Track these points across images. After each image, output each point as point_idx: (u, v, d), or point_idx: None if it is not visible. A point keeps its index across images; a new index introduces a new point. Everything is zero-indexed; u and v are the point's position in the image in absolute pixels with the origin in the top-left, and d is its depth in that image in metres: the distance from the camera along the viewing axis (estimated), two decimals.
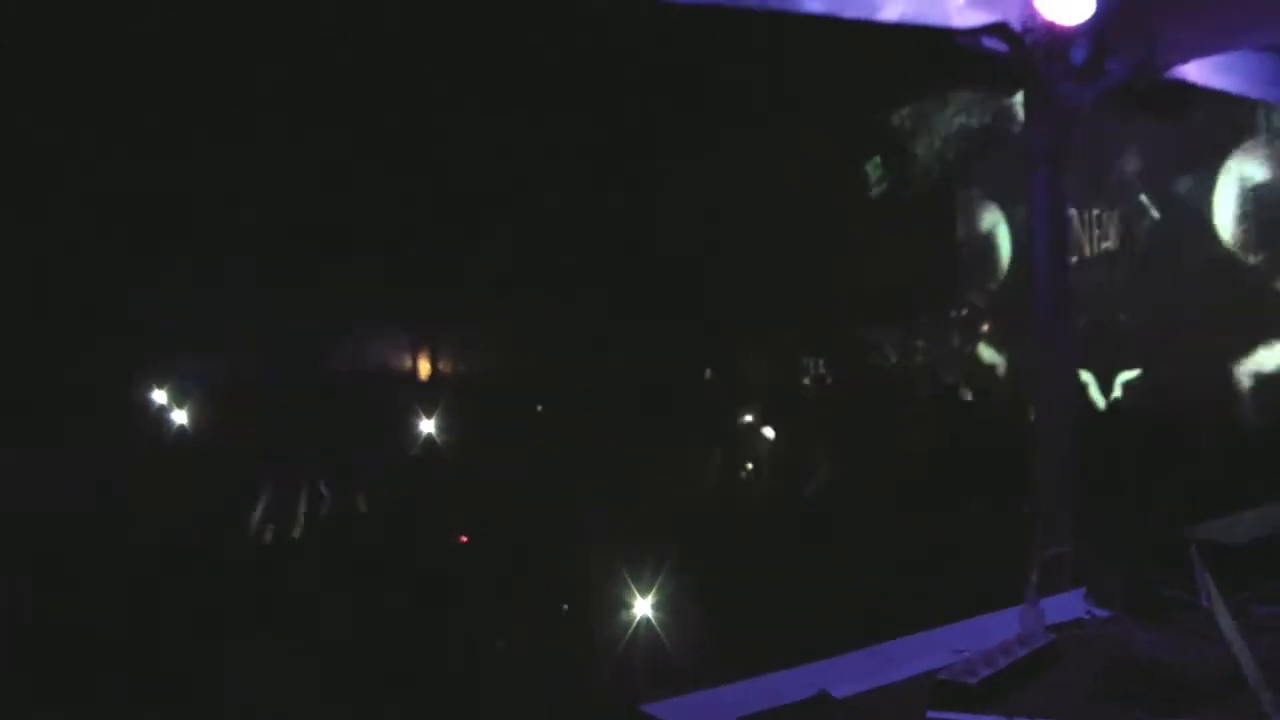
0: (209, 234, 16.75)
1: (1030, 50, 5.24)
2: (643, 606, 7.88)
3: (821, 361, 18.27)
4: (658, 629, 7.60)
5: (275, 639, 7.67)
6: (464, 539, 11.20)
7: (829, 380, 17.99)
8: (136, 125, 15.29)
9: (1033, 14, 5.10)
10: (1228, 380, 13.63)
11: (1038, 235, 5.66)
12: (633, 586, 7.90)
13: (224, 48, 15.03)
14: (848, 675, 3.15)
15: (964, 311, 17.31)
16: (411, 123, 16.89)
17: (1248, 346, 13.47)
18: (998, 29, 5.19)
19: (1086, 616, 3.63)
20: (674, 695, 3.04)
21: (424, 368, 22.14)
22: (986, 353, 16.91)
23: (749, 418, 14.92)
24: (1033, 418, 5.69)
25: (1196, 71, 5.87)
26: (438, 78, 16.53)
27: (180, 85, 15.48)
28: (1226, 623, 2.63)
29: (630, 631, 7.54)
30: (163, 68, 15.10)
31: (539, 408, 18.28)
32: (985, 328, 17.00)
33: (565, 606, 8.26)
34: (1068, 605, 3.71)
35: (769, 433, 14.67)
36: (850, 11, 5.27)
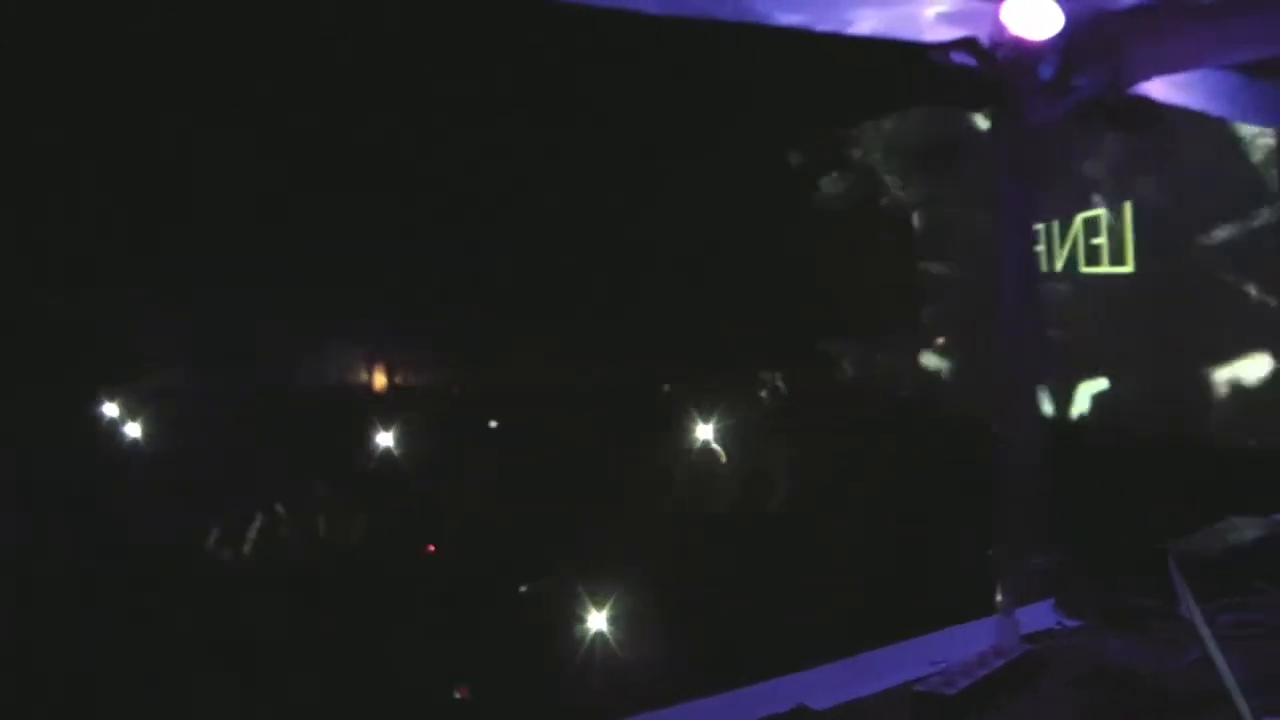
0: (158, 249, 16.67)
1: (999, 66, 5.26)
2: (601, 621, 7.88)
3: (779, 375, 18.30)
4: (626, 645, 7.60)
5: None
6: (431, 548, 11.17)
7: (788, 393, 18.01)
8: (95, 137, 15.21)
9: (1002, 30, 5.11)
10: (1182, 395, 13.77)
11: (1006, 248, 5.68)
12: (602, 603, 7.90)
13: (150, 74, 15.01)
14: (824, 687, 3.16)
15: (927, 324, 17.40)
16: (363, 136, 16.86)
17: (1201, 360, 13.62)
18: (967, 44, 5.20)
19: (1058, 626, 3.65)
20: (650, 710, 3.04)
21: (381, 381, 22.06)
22: (949, 364, 16.98)
23: (709, 431, 14.93)
24: (998, 430, 5.71)
25: (1159, 89, 5.90)
26: (396, 88, 16.49)
27: (135, 103, 15.41)
28: (1207, 631, 2.65)
29: (601, 647, 7.53)
30: (99, 88, 15.05)
31: (493, 423, 18.26)
32: (946, 340, 17.07)
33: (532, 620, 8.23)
34: (1039, 616, 3.74)
35: (720, 448, 14.70)
36: (823, 25, 5.28)
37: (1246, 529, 4.14)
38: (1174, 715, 2.69)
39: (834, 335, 17.32)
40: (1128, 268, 13.83)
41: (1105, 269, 14.26)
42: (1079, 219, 14.36)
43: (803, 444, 14.30)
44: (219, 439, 14.85)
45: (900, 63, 5.42)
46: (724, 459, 14.31)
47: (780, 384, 17.82)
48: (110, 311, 17.09)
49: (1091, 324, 14.30)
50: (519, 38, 15.01)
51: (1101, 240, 14.18)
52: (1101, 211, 14.07)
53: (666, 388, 17.48)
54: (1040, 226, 13.47)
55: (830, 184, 16.69)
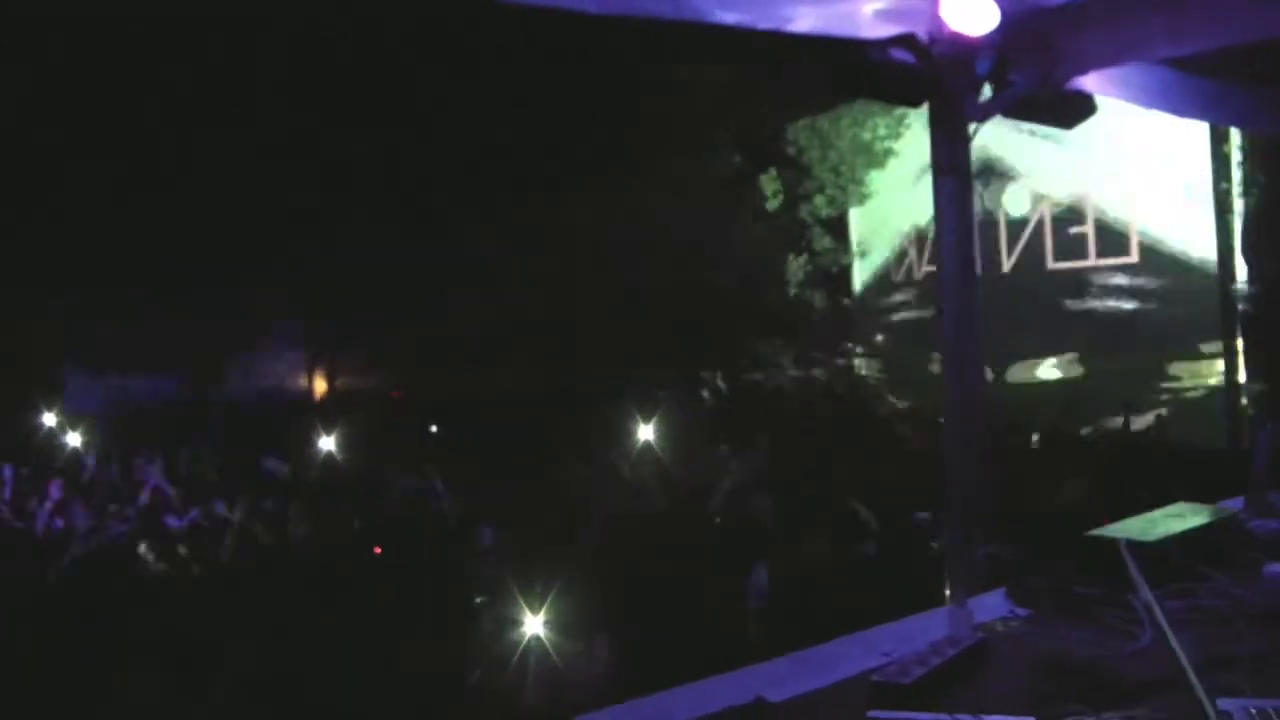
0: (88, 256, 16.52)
1: (937, 62, 5.32)
2: (540, 623, 7.86)
3: (719, 375, 18.36)
4: (574, 646, 7.58)
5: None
6: (378, 549, 11.11)
7: (727, 394, 18.07)
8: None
9: (940, 27, 5.18)
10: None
11: (945, 243, 5.75)
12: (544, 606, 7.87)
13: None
14: (779, 680, 3.16)
15: (867, 321, 17.54)
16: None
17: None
18: (906, 41, 5.27)
19: (1010, 615, 3.68)
20: (607, 705, 3.04)
21: (320, 386, 21.95)
22: (890, 362, 17.12)
23: (649, 431, 14.92)
24: (943, 424, 5.78)
25: (1094, 83, 5.99)
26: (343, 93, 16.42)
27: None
28: (1158, 617, 2.69)
29: (546, 649, 7.51)
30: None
31: (433, 428, 18.21)
32: (884, 338, 17.21)
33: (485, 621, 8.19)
34: (991, 605, 3.77)
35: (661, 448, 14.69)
36: (763, 23, 5.32)
37: (1194, 515, 4.21)
38: (1127, 699, 2.72)
39: (772, 334, 17.39)
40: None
41: None
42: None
43: (745, 442, 14.33)
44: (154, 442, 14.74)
45: (839, 59, 5.48)
46: (665, 459, 14.31)
47: (720, 384, 17.89)
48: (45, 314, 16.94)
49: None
50: (455, 37, 14.99)
51: None
52: None
53: (604, 389, 17.45)
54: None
55: (768, 182, 16.75)
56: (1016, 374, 15.02)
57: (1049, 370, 14.93)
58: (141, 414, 16.79)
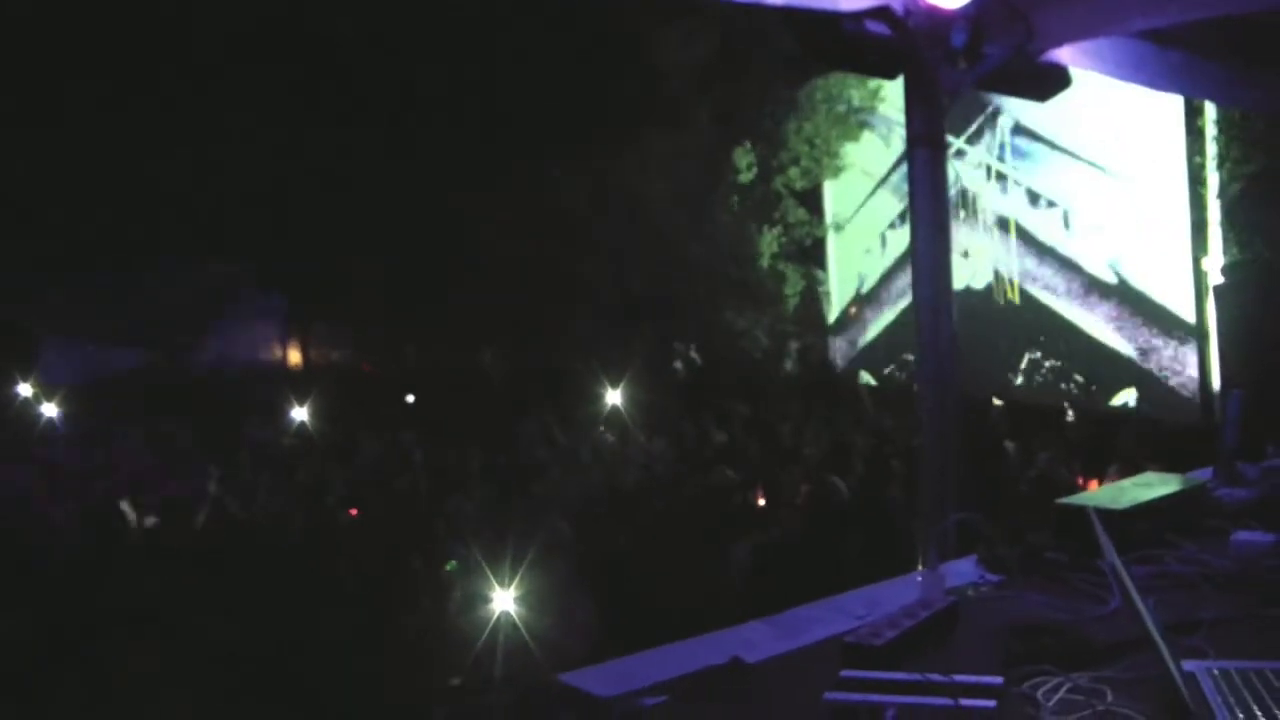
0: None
1: (912, 34, 5.35)
2: (508, 600, 7.91)
3: (693, 346, 18.40)
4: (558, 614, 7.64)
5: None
6: (353, 511, 11.17)
7: (702, 365, 18.13)
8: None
9: None
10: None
11: (920, 216, 5.79)
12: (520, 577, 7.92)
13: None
14: (754, 643, 3.21)
15: (837, 295, 17.58)
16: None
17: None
18: (881, 13, 5.29)
19: (980, 580, 3.74)
20: (589, 665, 3.08)
21: (294, 359, 21.94)
22: (862, 334, 17.19)
23: (621, 400, 14.98)
24: (918, 394, 5.83)
25: (1069, 55, 6.03)
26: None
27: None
28: (1126, 582, 2.75)
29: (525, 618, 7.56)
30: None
31: (409, 397, 18.23)
32: (855, 311, 17.27)
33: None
34: (962, 571, 3.83)
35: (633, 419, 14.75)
36: None
37: (1161, 484, 4.28)
38: (1094, 661, 2.78)
39: (744, 307, 17.43)
40: None
41: None
42: None
43: (720, 413, 14.40)
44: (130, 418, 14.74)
45: (814, 31, 5.50)
46: (638, 431, 14.38)
47: (694, 355, 17.94)
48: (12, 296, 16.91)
49: None
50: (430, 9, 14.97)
51: None
52: None
53: (580, 362, 17.51)
54: None
55: (741, 155, 16.75)
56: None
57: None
58: (118, 384, 16.77)
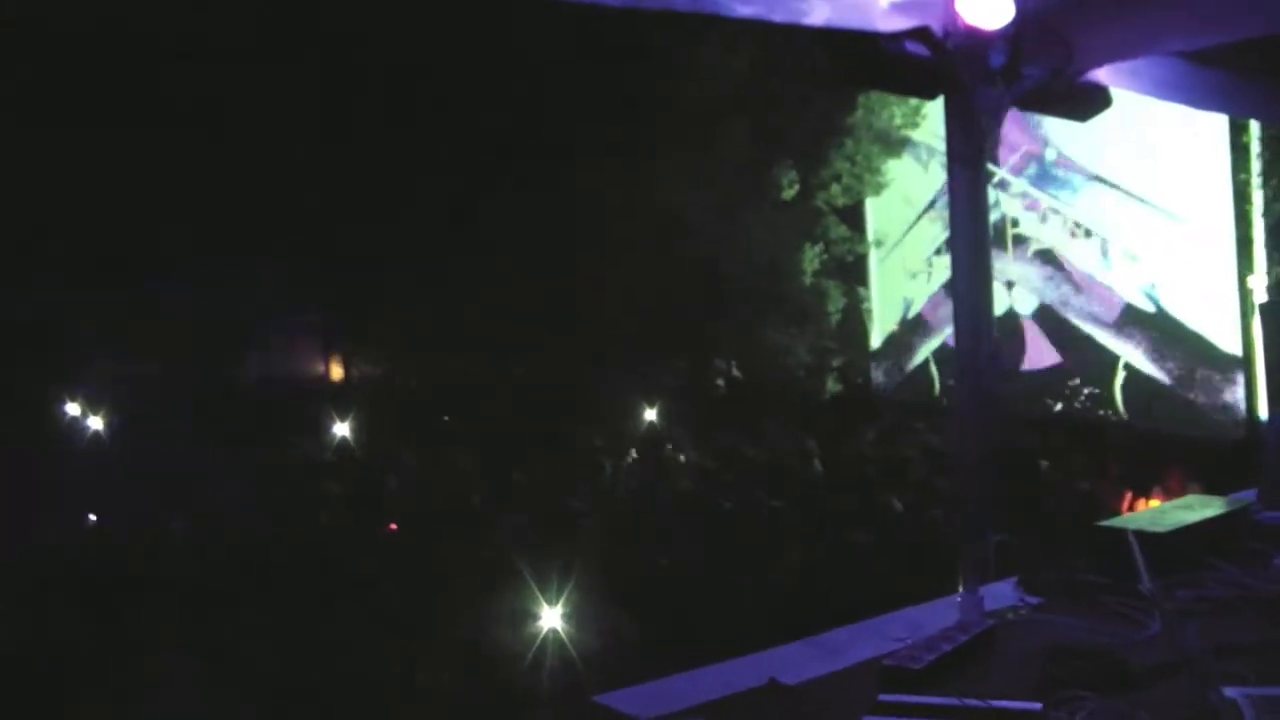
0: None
1: (951, 54, 5.34)
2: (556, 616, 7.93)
3: (734, 363, 18.38)
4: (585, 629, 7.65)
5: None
6: (393, 526, 11.23)
7: (742, 380, 18.10)
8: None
9: (954, 19, 5.19)
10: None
11: (959, 235, 5.78)
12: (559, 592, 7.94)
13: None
14: (792, 664, 3.21)
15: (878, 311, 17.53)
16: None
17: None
18: (920, 34, 5.28)
19: (1019, 604, 3.73)
20: (625, 686, 3.09)
21: (337, 374, 22.04)
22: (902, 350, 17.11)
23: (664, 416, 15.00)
24: (956, 411, 5.80)
25: (1108, 75, 6.01)
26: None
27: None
28: (1165, 606, 2.74)
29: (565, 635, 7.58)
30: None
31: (445, 417, 18.27)
32: (900, 333, 17.20)
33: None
34: (1001, 594, 3.81)
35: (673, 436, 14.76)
36: (778, 15, 5.35)
37: (1203, 507, 4.25)
38: (1134, 686, 2.77)
39: (785, 323, 17.38)
40: None
41: None
42: None
43: (759, 430, 14.37)
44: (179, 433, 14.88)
45: (853, 52, 5.50)
46: (678, 448, 14.39)
47: (735, 372, 17.91)
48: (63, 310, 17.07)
49: None
50: (479, 34, 15.05)
51: None
52: None
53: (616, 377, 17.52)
54: None
55: (783, 171, 16.72)
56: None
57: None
58: (165, 400, 16.90)
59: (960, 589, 3.71)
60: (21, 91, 14.78)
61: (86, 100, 15.61)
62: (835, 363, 17.46)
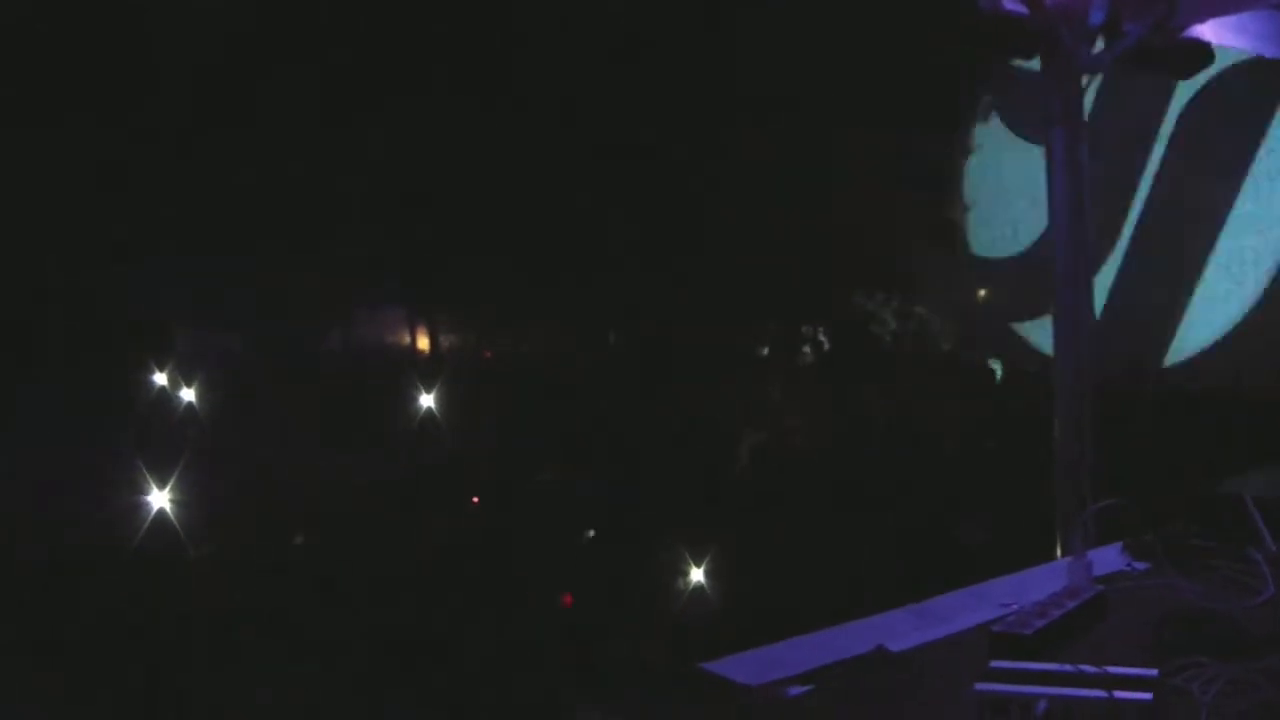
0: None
1: (1050, 12, 5.27)
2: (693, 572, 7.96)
3: (821, 329, 18.27)
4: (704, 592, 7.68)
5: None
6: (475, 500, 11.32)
7: (831, 348, 18.00)
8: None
9: None
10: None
11: (1057, 193, 5.70)
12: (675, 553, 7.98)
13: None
14: (899, 631, 3.19)
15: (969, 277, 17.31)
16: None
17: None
18: None
19: (1127, 569, 3.68)
20: (732, 653, 3.08)
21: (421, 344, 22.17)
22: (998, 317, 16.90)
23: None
24: (1055, 379, 5.73)
25: (1211, 30, 5.88)
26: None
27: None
28: None
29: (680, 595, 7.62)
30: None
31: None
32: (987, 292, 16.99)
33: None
34: (1108, 559, 3.76)
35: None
36: None
37: None
38: (1250, 652, 2.71)
39: (876, 289, 17.26)
40: None
41: None
42: None
43: (852, 397, 14.31)
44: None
45: (951, 11, 5.44)
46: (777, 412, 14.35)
47: (823, 338, 17.83)
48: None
49: None
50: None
51: None
52: None
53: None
54: None
55: (871, 136, 16.53)
56: None
57: None
58: (248, 371, 17.09)
59: (1059, 554, 3.66)
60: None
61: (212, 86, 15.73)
62: (928, 326, 17.32)
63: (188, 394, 16.86)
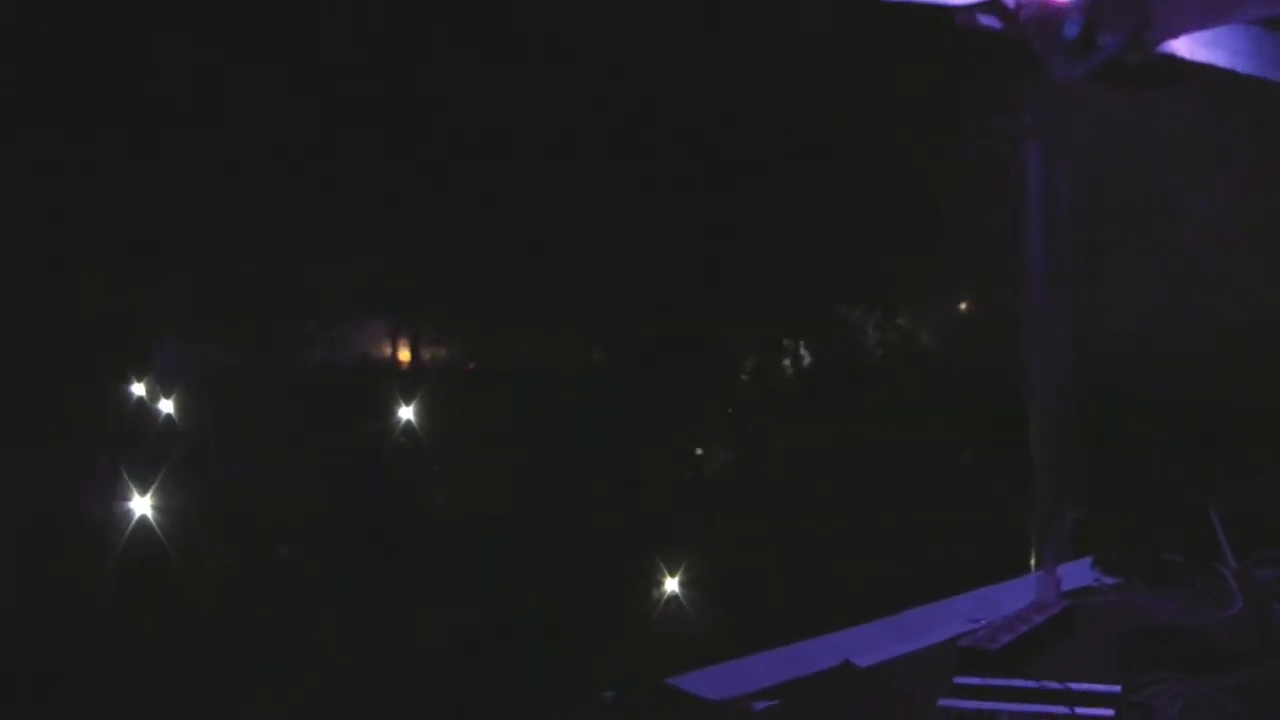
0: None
1: (1024, 26, 5.25)
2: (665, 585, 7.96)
3: (803, 344, 18.25)
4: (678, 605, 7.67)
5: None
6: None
7: (813, 361, 17.98)
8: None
9: None
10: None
11: (1031, 209, 5.68)
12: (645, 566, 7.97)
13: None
14: (868, 645, 3.18)
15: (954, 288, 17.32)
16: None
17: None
18: (993, 5, 5.20)
19: (1096, 584, 3.67)
20: (699, 668, 3.06)
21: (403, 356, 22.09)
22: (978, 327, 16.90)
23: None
24: (1029, 392, 5.70)
25: (1185, 46, 5.88)
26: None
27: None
28: (1249, 585, 2.68)
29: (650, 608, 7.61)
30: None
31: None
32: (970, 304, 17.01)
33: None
34: (1077, 573, 3.75)
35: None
36: None
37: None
38: (1216, 667, 2.71)
39: (857, 301, 17.27)
40: None
41: None
42: None
43: (834, 408, 14.31)
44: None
45: (926, 25, 5.42)
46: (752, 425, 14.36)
47: (804, 352, 17.82)
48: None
49: None
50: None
51: None
52: None
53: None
54: None
55: (861, 147, 16.53)
56: None
57: None
58: (229, 383, 17.02)
59: (1033, 568, 3.65)
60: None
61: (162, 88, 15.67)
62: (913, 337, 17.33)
63: (165, 404, 16.80)
